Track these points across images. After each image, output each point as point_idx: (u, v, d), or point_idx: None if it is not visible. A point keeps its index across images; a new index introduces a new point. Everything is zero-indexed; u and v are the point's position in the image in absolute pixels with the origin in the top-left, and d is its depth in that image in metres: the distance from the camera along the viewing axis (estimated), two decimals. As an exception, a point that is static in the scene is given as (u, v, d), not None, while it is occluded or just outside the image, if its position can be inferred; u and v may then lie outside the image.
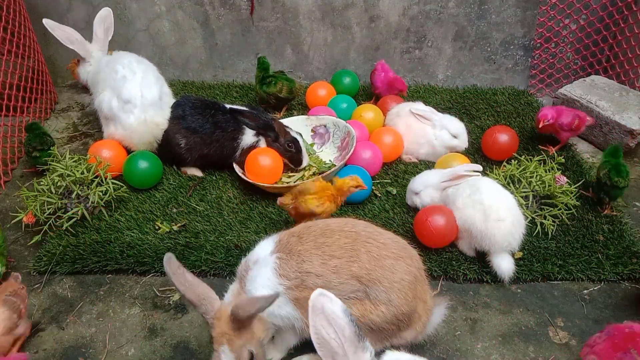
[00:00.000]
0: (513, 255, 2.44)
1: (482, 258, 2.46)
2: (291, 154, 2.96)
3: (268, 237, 1.93)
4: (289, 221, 2.71)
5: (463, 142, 3.09)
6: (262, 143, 3.00)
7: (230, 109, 2.98)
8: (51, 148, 3.04)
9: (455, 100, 3.84)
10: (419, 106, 3.19)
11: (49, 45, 4.08)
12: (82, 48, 3.37)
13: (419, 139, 3.14)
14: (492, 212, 2.36)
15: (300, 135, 3.04)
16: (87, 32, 4.02)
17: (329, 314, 1.21)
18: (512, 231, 2.36)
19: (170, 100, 3.18)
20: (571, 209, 2.67)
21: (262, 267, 1.79)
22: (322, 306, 1.21)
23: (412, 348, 2.09)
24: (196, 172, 3.09)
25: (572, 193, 2.67)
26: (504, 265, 2.35)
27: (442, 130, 3.09)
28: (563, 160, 2.92)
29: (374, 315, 1.74)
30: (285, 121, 3.15)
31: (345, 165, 2.90)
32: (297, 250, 1.75)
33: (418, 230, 2.50)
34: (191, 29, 4.03)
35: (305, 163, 3.01)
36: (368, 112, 3.34)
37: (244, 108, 3.00)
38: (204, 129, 2.95)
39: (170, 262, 1.70)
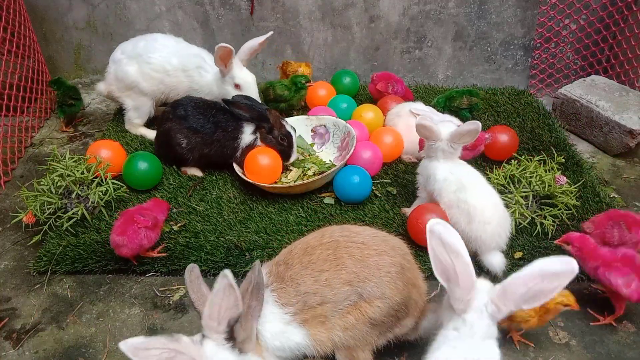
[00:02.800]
0: (503, 252, 2.44)
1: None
2: (283, 147, 2.96)
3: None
4: (289, 221, 2.71)
5: None
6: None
7: (224, 100, 2.99)
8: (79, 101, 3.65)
9: (455, 100, 3.84)
10: (419, 106, 3.19)
11: (49, 45, 4.09)
12: None
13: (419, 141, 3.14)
14: (477, 214, 2.36)
15: (294, 129, 3.03)
16: (86, 32, 4.03)
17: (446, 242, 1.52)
18: (499, 232, 2.37)
19: (145, 69, 3.29)
20: (571, 209, 2.67)
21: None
22: (439, 234, 1.52)
23: (412, 347, 2.10)
24: (196, 172, 3.09)
25: (572, 193, 2.67)
26: (495, 261, 2.36)
27: None
28: (563, 160, 2.92)
29: (371, 312, 1.76)
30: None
31: (345, 165, 2.91)
32: (289, 276, 1.77)
33: (412, 230, 2.52)
34: (191, 29, 4.03)
35: (293, 159, 3.01)
36: (368, 112, 3.34)
37: (238, 99, 2.99)
38: (205, 129, 2.95)
39: (192, 270, 1.72)
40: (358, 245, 1.80)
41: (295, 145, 3.00)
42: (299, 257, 1.80)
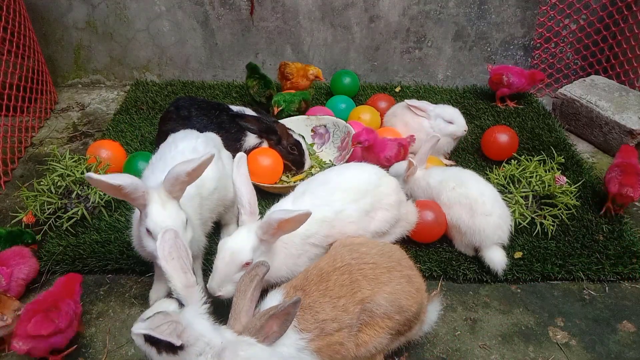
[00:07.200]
0: (504, 248, 2.45)
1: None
2: (294, 156, 2.97)
3: (271, 294, 1.86)
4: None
5: (460, 126, 3.07)
6: (265, 144, 3.00)
7: (232, 114, 2.98)
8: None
9: (455, 100, 3.84)
10: (414, 102, 3.19)
11: (49, 45, 4.08)
12: None
13: (418, 135, 3.12)
14: (478, 207, 2.38)
15: (303, 137, 3.04)
16: (86, 32, 4.03)
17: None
18: (500, 224, 2.39)
19: None
20: (571, 209, 2.67)
21: None
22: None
23: (412, 347, 2.10)
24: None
25: (572, 193, 2.67)
26: (497, 257, 2.37)
27: (437, 119, 3.08)
28: (563, 160, 2.92)
29: (392, 323, 1.84)
30: (285, 121, 3.15)
31: (345, 165, 2.90)
32: (308, 304, 1.78)
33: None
34: (191, 29, 4.03)
35: (307, 166, 3.02)
36: (365, 113, 3.33)
37: (246, 112, 2.99)
38: (208, 130, 2.94)
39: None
40: (370, 265, 1.88)
41: (306, 152, 3.00)
42: (315, 284, 1.83)
